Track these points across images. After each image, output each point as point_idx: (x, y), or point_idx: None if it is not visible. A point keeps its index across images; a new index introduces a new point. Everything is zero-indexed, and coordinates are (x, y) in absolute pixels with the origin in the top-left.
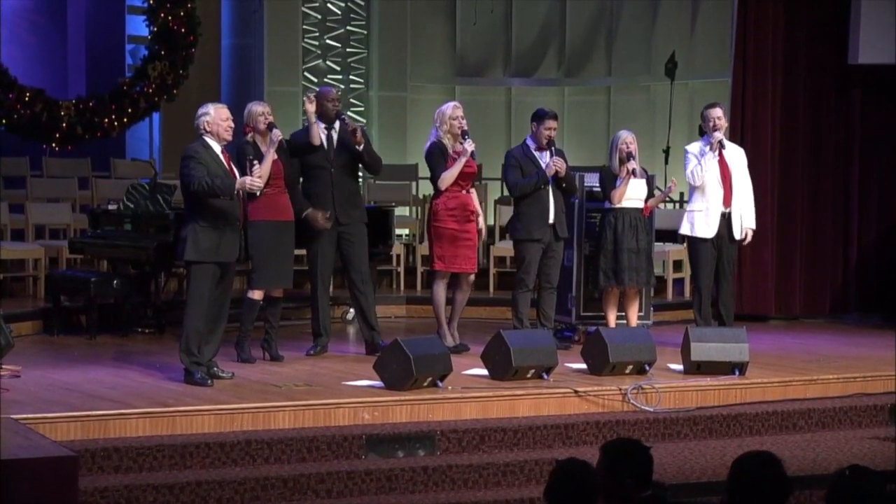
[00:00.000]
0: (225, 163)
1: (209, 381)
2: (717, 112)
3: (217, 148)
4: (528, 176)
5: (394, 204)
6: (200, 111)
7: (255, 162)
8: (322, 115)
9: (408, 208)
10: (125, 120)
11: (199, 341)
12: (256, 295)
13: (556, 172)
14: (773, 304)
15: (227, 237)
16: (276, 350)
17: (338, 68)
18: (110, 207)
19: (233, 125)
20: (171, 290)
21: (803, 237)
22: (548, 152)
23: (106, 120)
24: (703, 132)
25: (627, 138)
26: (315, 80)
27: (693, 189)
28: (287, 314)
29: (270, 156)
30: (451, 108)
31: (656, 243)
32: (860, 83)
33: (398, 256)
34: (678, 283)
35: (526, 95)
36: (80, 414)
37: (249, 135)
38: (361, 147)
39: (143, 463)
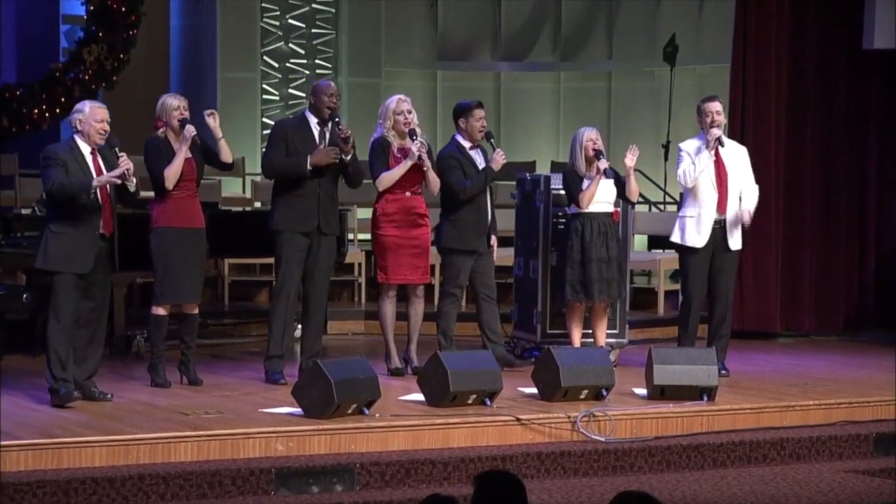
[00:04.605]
0: (91, 165)
1: (75, 394)
2: (717, 106)
3: (86, 149)
4: (471, 177)
5: (354, 206)
6: (77, 107)
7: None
8: (316, 110)
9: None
10: (57, 111)
11: (64, 358)
12: (161, 311)
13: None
14: (779, 320)
15: (82, 245)
16: (195, 373)
17: (302, 52)
18: (24, 212)
19: (107, 128)
20: None
21: (814, 245)
22: (480, 150)
23: (35, 111)
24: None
25: (592, 135)
26: (276, 64)
27: (686, 192)
28: (230, 331)
29: (182, 154)
30: (396, 102)
31: (654, 251)
32: (876, 71)
33: (359, 266)
34: (672, 295)
35: (517, 81)
36: None
37: (161, 130)
38: (349, 157)
39: (22, 501)
